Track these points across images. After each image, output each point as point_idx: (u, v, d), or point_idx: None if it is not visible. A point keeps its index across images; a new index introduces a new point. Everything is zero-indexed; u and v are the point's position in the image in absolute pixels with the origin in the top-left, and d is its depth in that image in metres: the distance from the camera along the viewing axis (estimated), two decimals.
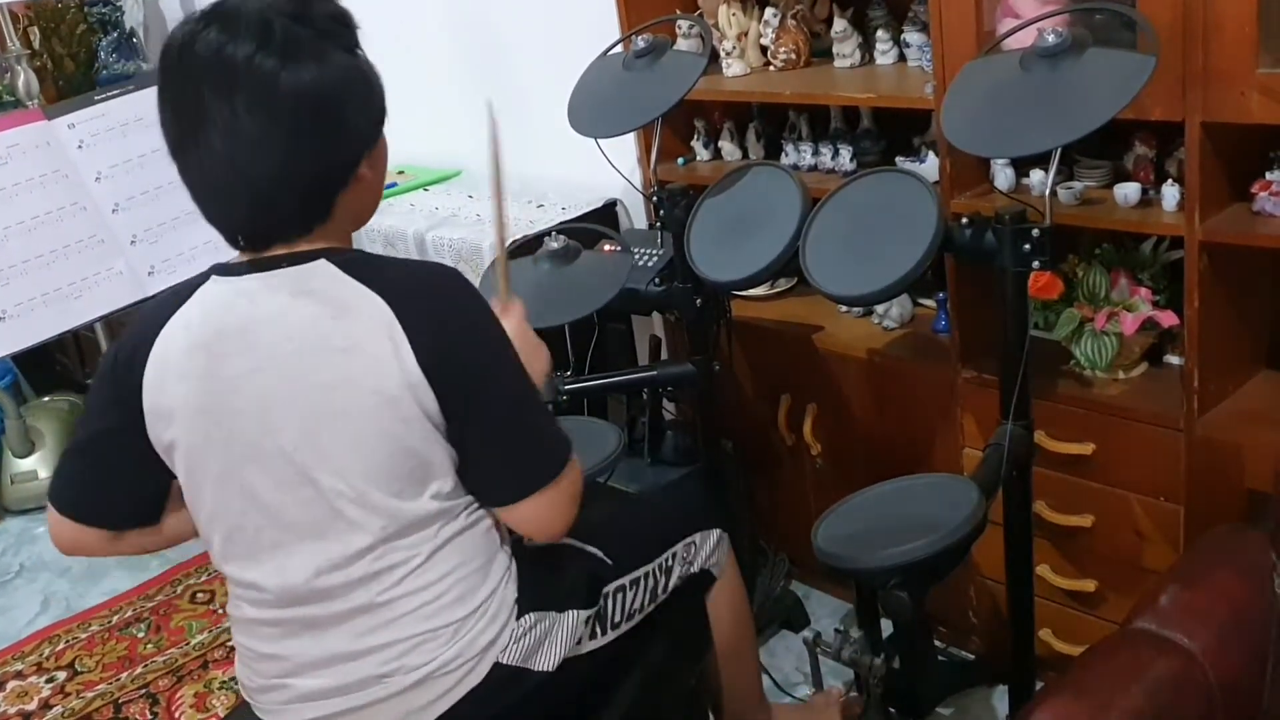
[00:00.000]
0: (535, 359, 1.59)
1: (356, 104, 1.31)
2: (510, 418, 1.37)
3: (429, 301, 1.32)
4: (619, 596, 1.60)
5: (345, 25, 1.33)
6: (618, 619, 1.60)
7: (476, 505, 1.42)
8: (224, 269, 1.35)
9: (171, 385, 1.34)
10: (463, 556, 1.40)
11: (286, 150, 1.26)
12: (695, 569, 1.74)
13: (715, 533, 1.78)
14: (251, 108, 1.24)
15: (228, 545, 1.40)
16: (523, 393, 1.39)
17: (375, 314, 1.29)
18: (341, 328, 1.29)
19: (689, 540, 1.74)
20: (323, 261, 1.32)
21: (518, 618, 1.45)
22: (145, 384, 1.35)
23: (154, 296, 1.44)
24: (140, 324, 1.38)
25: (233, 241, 1.35)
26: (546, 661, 1.47)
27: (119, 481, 1.44)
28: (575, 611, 1.52)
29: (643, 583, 1.64)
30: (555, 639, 1.48)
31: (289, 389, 1.30)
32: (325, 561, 1.35)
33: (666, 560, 1.69)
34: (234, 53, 1.24)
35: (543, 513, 1.40)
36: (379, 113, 1.36)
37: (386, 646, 1.38)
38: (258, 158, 1.26)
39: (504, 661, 1.43)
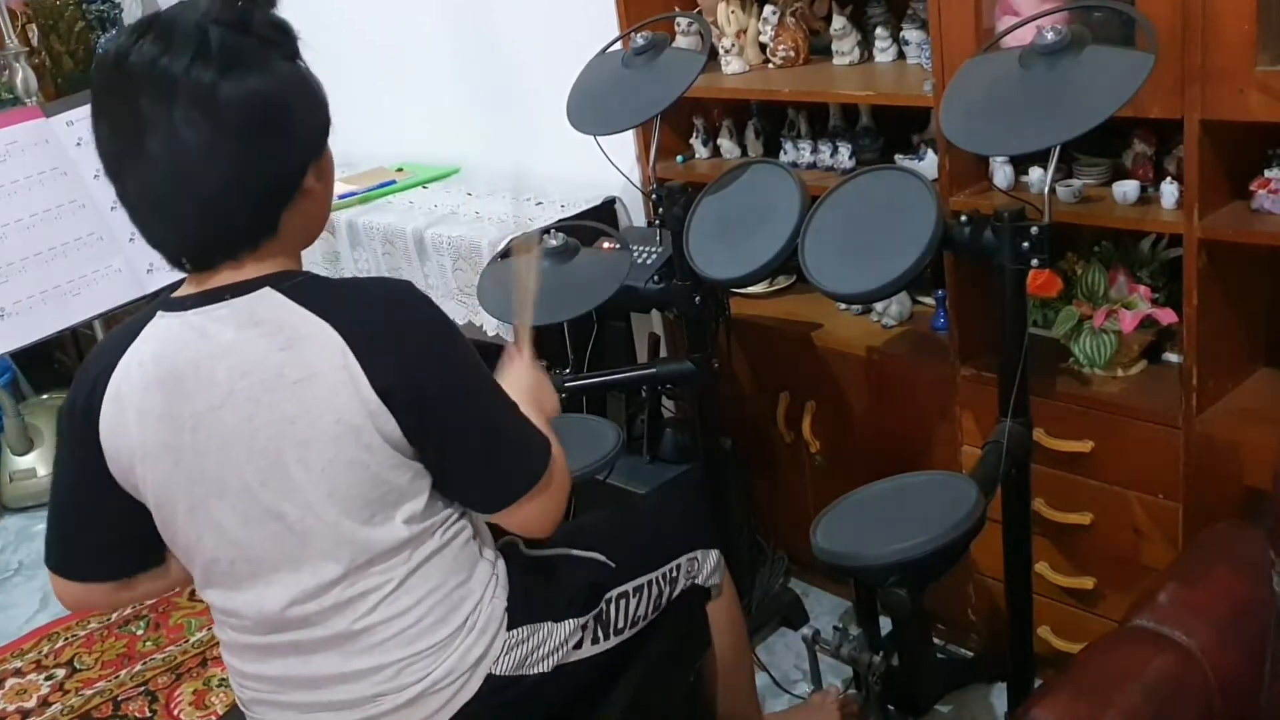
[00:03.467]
0: (547, 396, 1.57)
1: (301, 112, 1.27)
2: (485, 428, 1.35)
3: (381, 325, 1.28)
4: (622, 603, 1.60)
5: (286, 34, 1.28)
6: (620, 625, 1.59)
7: (453, 522, 1.40)
8: (169, 304, 1.31)
9: (130, 425, 1.30)
10: (440, 578, 1.38)
11: (230, 159, 1.21)
12: (697, 583, 1.75)
13: (714, 553, 1.79)
14: (191, 117, 1.19)
15: (206, 575, 1.38)
16: (491, 401, 1.36)
17: (326, 342, 1.25)
18: (294, 358, 1.26)
19: (692, 555, 1.74)
20: (267, 290, 1.27)
21: (509, 629, 1.44)
22: (103, 425, 1.31)
23: (129, 314, 1.39)
24: (91, 367, 1.34)
25: (177, 263, 1.30)
26: (541, 667, 1.47)
27: (108, 529, 1.40)
28: (573, 620, 1.51)
29: (646, 591, 1.64)
30: (550, 647, 1.48)
31: (248, 425, 1.27)
32: (299, 592, 1.33)
33: (671, 571, 1.69)
34: (170, 64, 1.19)
35: (533, 514, 1.39)
36: (324, 122, 1.31)
37: (376, 670, 1.36)
38: (201, 167, 1.21)
39: (497, 673, 1.42)
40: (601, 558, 1.61)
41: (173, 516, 1.35)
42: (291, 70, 1.27)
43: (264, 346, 1.26)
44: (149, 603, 2.97)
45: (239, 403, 1.27)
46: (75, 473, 1.38)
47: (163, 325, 1.31)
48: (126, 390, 1.30)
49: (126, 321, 1.36)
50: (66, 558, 1.42)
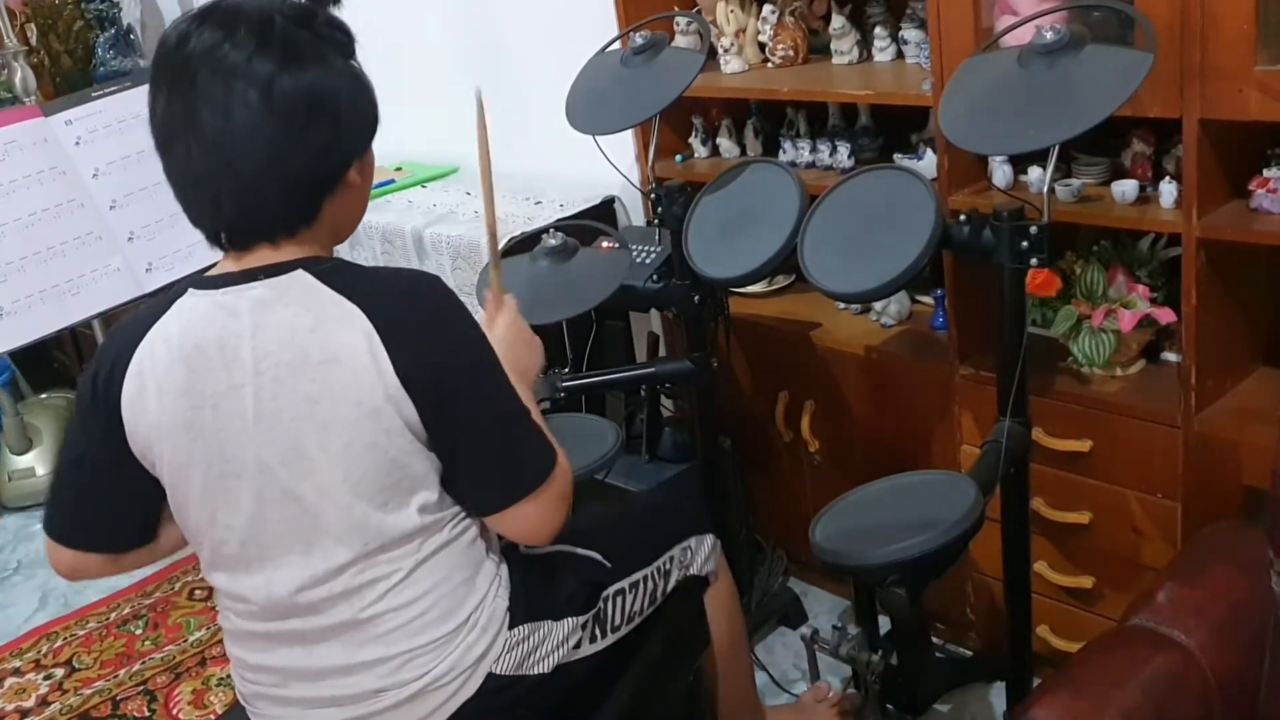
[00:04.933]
0: (528, 355, 1.59)
1: (351, 107, 1.30)
2: (494, 427, 1.36)
3: (407, 312, 1.30)
4: (619, 600, 1.60)
5: (345, 33, 1.33)
6: (618, 622, 1.59)
7: (462, 517, 1.41)
8: (200, 282, 1.33)
9: (151, 400, 1.32)
10: (446, 571, 1.39)
11: (279, 144, 1.25)
12: (692, 573, 1.75)
13: (709, 538, 1.79)
14: (248, 98, 1.23)
15: (214, 557, 1.39)
16: (506, 401, 1.37)
17: (353, 325, 1.27)
18: (320, 340, 1.27)
19: (685, 544, 1.74)
20: (300, 272, 1.30)
21: (510, 628, 1.44)
22: (124, 399, 1.33)
23: (135, 309, 1.41)
24: (117, 340, 1.36)
25: (215, 240, 1.33)
26: (542, 667, 1.47)
27: (112, 503, 1.42)
28: (572, 619, 1.52)
29: (642, 586, 1.64)
30: (550, 647, 1.48)
31: (271, 404, 1.29)
32: (308, 576, 1.34)
33: (665, 564, 1.69)
34: (231, 51, 1.23)
35: (532, 519, 1.39)
36: (373, 120, 1.35)
37: (379, 662, 1.37)
38: (249, 149, 1.24)
39: (497, 672, 1.42)
40: (598, 556, 1.61)
41: (186, 495, 1.36)
42: (347, 68, 1.31)
43: (291, 327, 1.28)
44: (148, 602, 2.98)
45: (263, 382, 1.28)
46: (88, 443, 1.39)
47: (190, 303, 1.33)
48: (149, 366, 1.32)
49: (155, 299, 1.37)
50: (67, 526, 1.44)
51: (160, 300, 1.36)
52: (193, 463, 1.33)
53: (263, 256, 1.31)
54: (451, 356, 1.32)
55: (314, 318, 1.28)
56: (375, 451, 1.30)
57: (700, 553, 1.76)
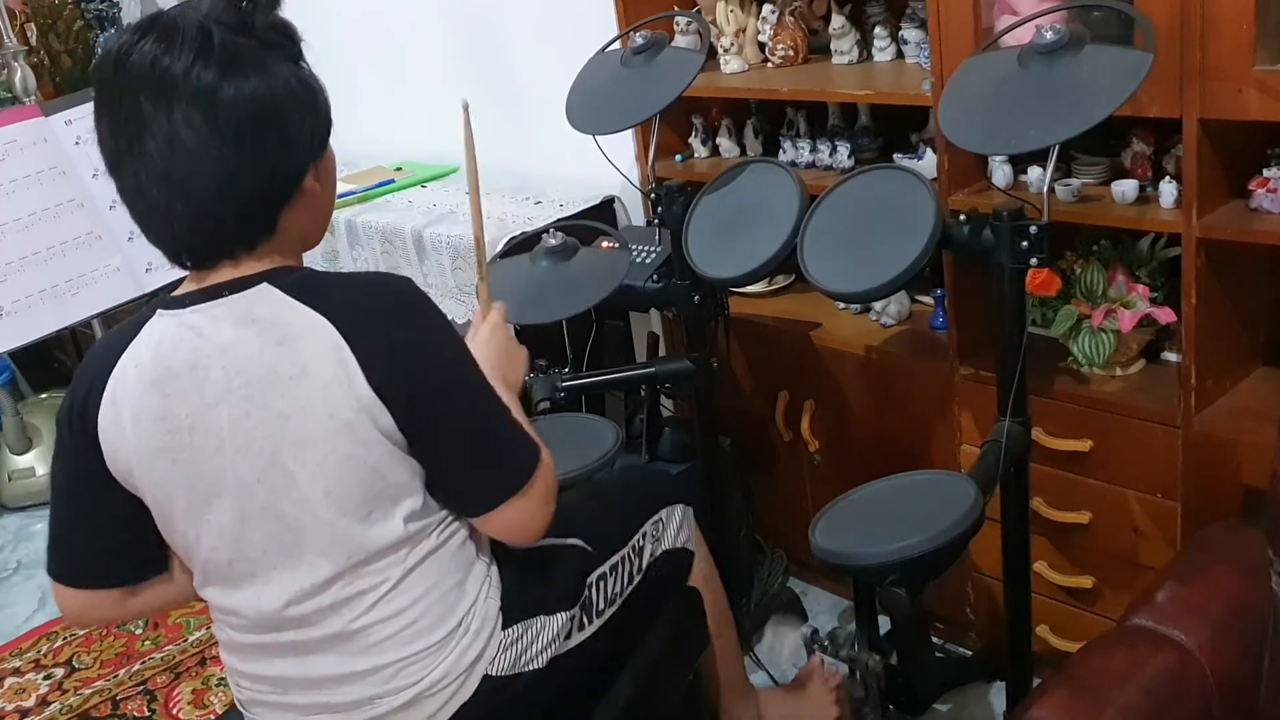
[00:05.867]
0: (512, 364, 1.57)
1: (301, 116, 1.27)
2: (473, 428, 1.34)
3: (376, 319, 1.28)
4: (601, 584, 1.60)
5: (288, 36, 1.28)
6: (601, 606, 1.59)
7: (450, 521, 1.40)
8: (167, 303, 1.32)
9: (128, 428, 1.30)
10: (436, 578, 1.38)
11: (228, 163, 1.22)
12: (666, 546, 1.74)
13: (679, 507, 1.78)
14: (191, 119, 1.20)
15: (204, 574, 1.38)
16: (484, 401, 1.36)
17: (321, 337, 1.25)
18: (288, 355, 1.26)
19: (656, 518, 1.73)
20: (265, 285, 1.28)
21: (504, 628, 1.44)
22: (101, 428, 1.31)
23: (132, 308, 1.39)
24: (89, 368, 1.34)
25: (176, 261, 1.30)
26: (536, 663, 1.47)
27: (108, 533, 1.39)
28: (564, 613, 1.51)
29: (621, 566, 1.64)
30: (545, 642, 1.48)
31: (245, 423, 1.27)
32: (296, 591, 1.33)
33: (639, 541, 1.69)
34: (172, 64, 1.20)
35: (518, 519, 1.39)
36: (325, 125, 1.31)
37: (372, 671, 1.36)
38: (198, 170, 1.21)
39: (493, 673, 1.42)
40: (581, 543, 1.60)
41: (170, 516, 1.35)
42: (292, 73, 1.27)
43: (259, 343, 1.26)
44: None
45: (235, 401, 1.27)
46: (73, 477, 1.37)
47: (159, 326, 1.31)
48: (123, 393, 1.30)
49: (124, 322, 1.36)
50: (68, 564, 1.41)
51: (130, 324, 1.34)
52: (174, 485, 1.32)
53: (226, 273, 1.29)
54: (423, 358, 1.30)
55: (281, 332, 1.26)
56: (354, 463, 1.28)
57: (671, 524, 1.75)
